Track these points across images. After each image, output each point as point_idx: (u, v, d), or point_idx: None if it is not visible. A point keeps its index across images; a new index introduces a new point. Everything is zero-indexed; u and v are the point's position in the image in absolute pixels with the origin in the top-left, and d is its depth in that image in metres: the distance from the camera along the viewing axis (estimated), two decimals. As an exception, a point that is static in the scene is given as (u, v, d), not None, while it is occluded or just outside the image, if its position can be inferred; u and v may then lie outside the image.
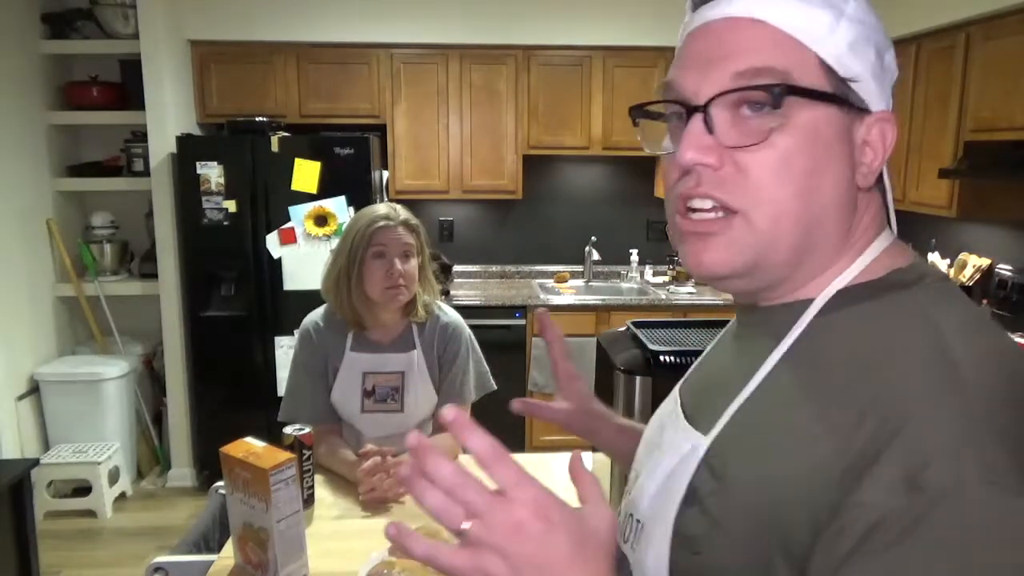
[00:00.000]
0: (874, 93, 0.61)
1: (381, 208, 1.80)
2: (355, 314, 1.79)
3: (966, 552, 0.46)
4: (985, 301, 3.13)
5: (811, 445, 0.54)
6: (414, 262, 1.79)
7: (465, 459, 1.72)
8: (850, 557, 0.48)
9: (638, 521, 0.68)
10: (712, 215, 0.60)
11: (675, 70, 0.63)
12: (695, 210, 0.61)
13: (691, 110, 0.60)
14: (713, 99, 0.58)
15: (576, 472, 0.61)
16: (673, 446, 0.67)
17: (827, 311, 0.61)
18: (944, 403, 0.50)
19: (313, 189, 3.44)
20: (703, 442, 0.63)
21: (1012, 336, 0.63)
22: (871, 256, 0.62)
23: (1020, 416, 0.50)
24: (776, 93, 0.56)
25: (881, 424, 0.51)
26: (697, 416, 0.68)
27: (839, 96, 0.59)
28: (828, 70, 0.58)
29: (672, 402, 0.76)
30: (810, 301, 0.62)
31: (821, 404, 0.56)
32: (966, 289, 3.17)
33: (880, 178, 0.64)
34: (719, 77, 0.59)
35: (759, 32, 0.58)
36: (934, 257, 3.32)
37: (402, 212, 1.81)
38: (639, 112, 0.67)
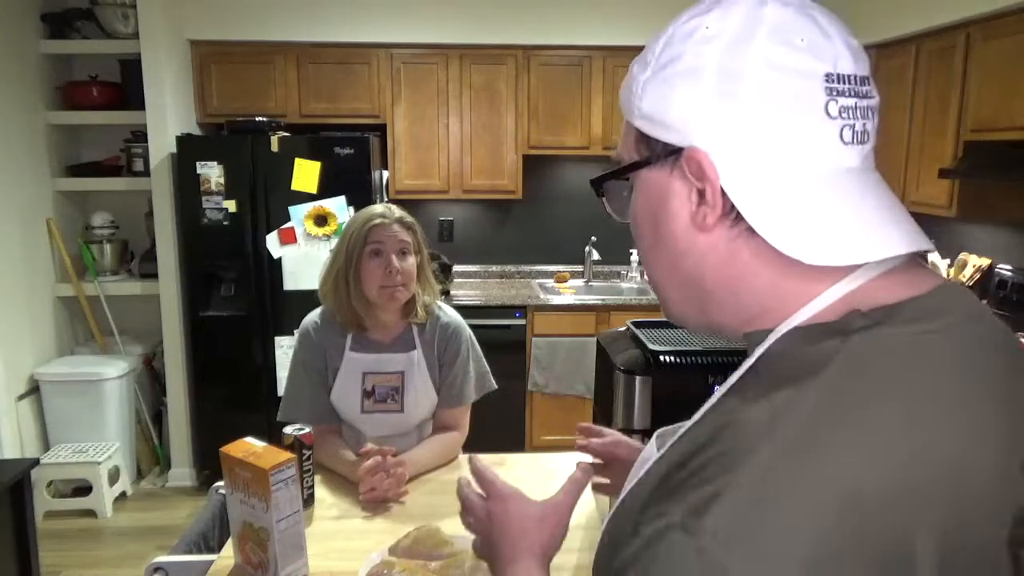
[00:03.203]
0: (692, 128, 0.57)
1: (377, 207, 1.81)
2: (354, 315, 1.79)
3: None
4: (985, 301, 3.13)
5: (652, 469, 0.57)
6: (411, 260, 1.79)
7: (464, 459, 1.72)
8: None
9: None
10: None
11: None
12: None
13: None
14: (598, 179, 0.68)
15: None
16: (643, 456, 0.68)
17: (779, 343, 0.56)
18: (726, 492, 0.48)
19: (313, 189, 3.44)
20: (654, 456, 0.61)
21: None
22: (835, 295, 0.55)
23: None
24: (593, 183, 0.66)
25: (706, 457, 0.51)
26: (665, 436, 0.68)
27: (642, 161, 0.61)
28: (644, 136, 0.61)
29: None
30: (767, 332, 0.57)
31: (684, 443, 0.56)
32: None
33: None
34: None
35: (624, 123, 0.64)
36: (934, 257, 3.32)
37: (397, 211, 1.82)
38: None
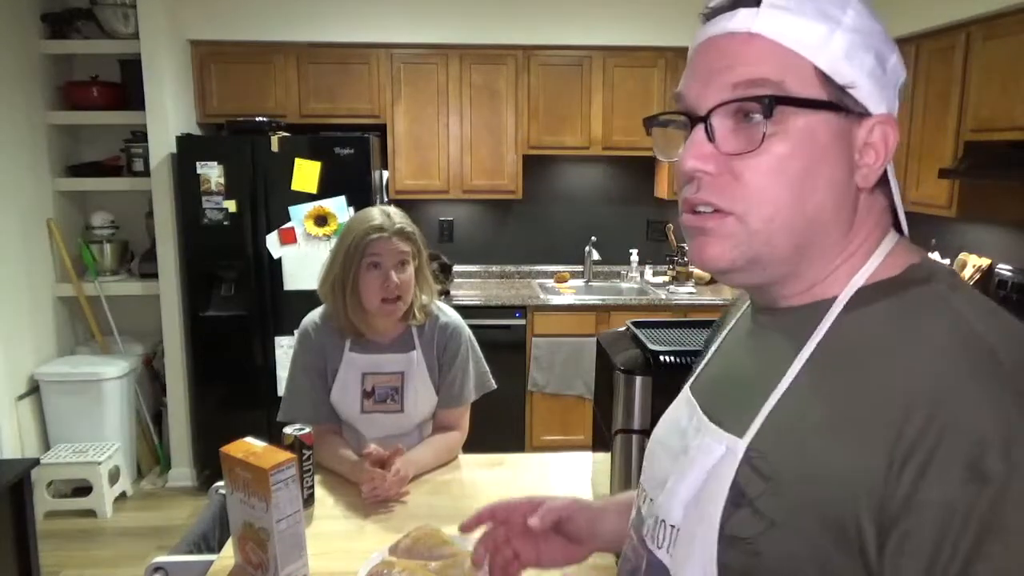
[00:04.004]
0: (874, 97, 0.63)
1: (376, 216, 1.74)
2: (350, 324, 1.78)
3: None
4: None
5: (856, 441, 0.56)
6: (410, 270, 1.76)
7: (464, 459, 1.72)
8: (946, 564, 0.50)
9: (672, 527, 0.69)
10: (710, 213, 0.65)
11: (683, 81, 0.68)
12: (698, 213, 0.65)
13: (694, 120, 0.64)
14: (713, 109, 0.63)
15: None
16: (704, 450, 0.68)
17: (850, 308, 0.63)
18: (987, 388, 0.53)
19: (313, 189, 3.44)
20: (739, 444, 0.64)
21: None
22: (883, 253, 0.65)
23: None
24: (766, 103, 0.60)
25: (929, 418, 0.52)
26: (723, 418, 0.69)
27: (834, 103, 0.62)
28: (824, 78, 0.61)
29: (687, 405, 0.76)
30: (831, 300, 0.64)
31: (861, 399, 0.57)
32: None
33: (885, 179, 0.67)
34: (719, 88, 0.63)
35: (755, 45, 0.62)
36: (934, 257, 3.32)
37: (397, 218, 1.76)
38: (652, 122, 0.73)
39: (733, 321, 0.82)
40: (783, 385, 0.64)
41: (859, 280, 0.64)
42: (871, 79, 0.62)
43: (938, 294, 0.61)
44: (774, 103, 0.60)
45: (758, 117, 0.61)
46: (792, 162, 0.61)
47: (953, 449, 0.51)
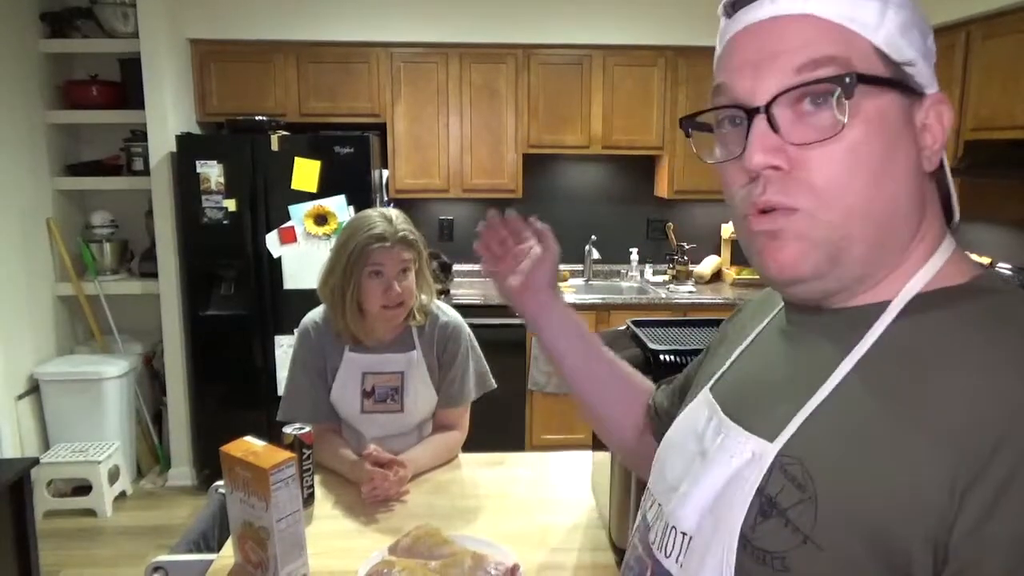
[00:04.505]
0: (927, 75, 0.60)
1: (377, 222, 1.70)
2: (348, 331, 1.77)
3: None
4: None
5: (914, 459, 0.51)
6: (412, 276, 1.75)
7: (464, 459, 1.72)
8: None
9: (684, 534, 0.64)
10: (782, 213, 0.59)
11: (725, 74, 0.62)
12: (767, 213, 0.60)
13: (751, 112, 0.59)
14: (776, 97, 0.57)
15: None
16: (727, 452, 0.63)
17: (906, 314, 0.58)
18: None
19: (313, 188, 3.43)
20: (770, 448, 0.59)
21: None
22: (942, 258, 0.60)
23: None
24: (848, 83, 0.55)
25: (1002, 440, 0.47)
26: (750, 421, 0.64)
27: (899, 81, 0.58)
28: (884, 56, 0.58)
29: (707, 407, 0.71)
30: (884, 304, 0.59)
31: (922, 413, 0.52)
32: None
33: (940, 167, 0.63)
34: (778, 74, 0.58)
35: (809, 25, 0.57)
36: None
37: (399, 224, 1.72)
38: (689, 123, 0.67)
39: (765, 321, 0.75)
40: (826, 389, 0.58)
41: (916, 284, 0.59)
42: (924, 57, 0.60)
43: (1013, 305, 0.56)
44: (855, 83, 0.55)
45: (825, 101, 0.56)
46: (869, 148, 0.56)
47: None
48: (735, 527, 0.59)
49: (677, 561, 0.64)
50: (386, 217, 1.73)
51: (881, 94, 0.57)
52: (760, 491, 0.58)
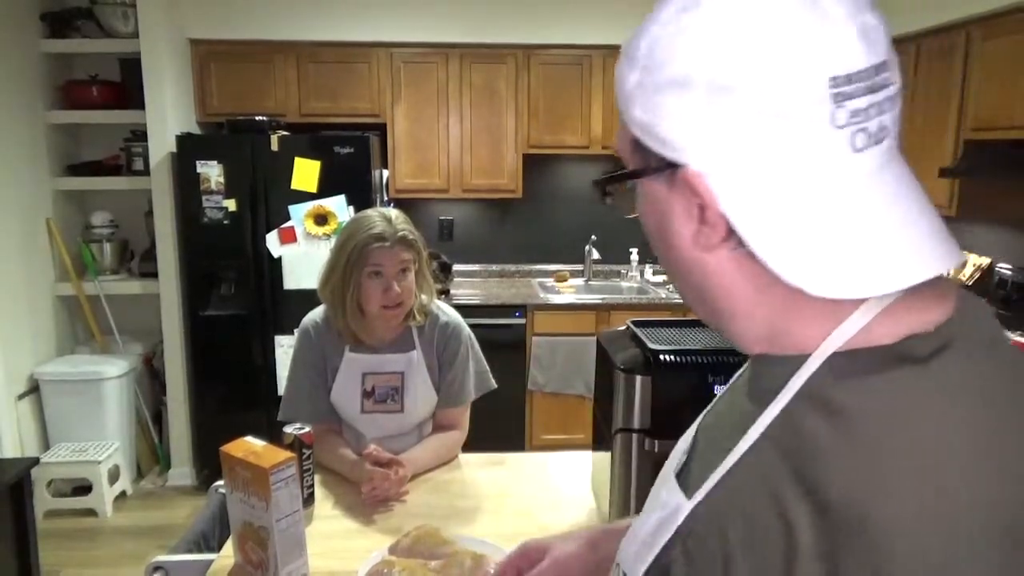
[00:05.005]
0: (699, 142, 0.50)
1: (376, 222, 1.70)
2: (349, 331, 1.77)
3: None
4: (986, 300, 3.13)
5: (781, 558, 0.46)
6: (412, 276, 1.75)
7: (464, 459, 1.71)
8: None
9: (624, 573, 0.63)
10: None
11: None
12: None
13: None
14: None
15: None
16: (660, 501, 0.61)
17: (824, 376, 0.50)
18: (930, 554, 0.42)
19: (313, 188, 3.43)
20: (685, 506, 0.56)
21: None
22: (874, 309, 0.50)
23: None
24: (600, 189, 0.60)
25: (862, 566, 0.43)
26: (692, 470, 0.61)
27: (638, 171, 0.56)
28: (638, 142, 0.55)
29: (685, 443, 0.67)
30: (804, 357, 0.51)
31: (804, 513, 0.46)
32: (966, 289, 3.17)
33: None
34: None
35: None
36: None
37: (399, 224, 1.72)
38: None
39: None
40: (733, 456, 0.53)
41: (834, 343, 0.50)
42: (682, 119, 0.51)
43: (927, 388, 0.47)
44: (601, 189, 0.60)
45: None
46: (649, 229, 0.59)
47: None
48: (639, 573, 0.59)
49: None
50: (385, 217, 1.72)
51: (639, 182, 0.57)
52: (663, 552, 0.57)
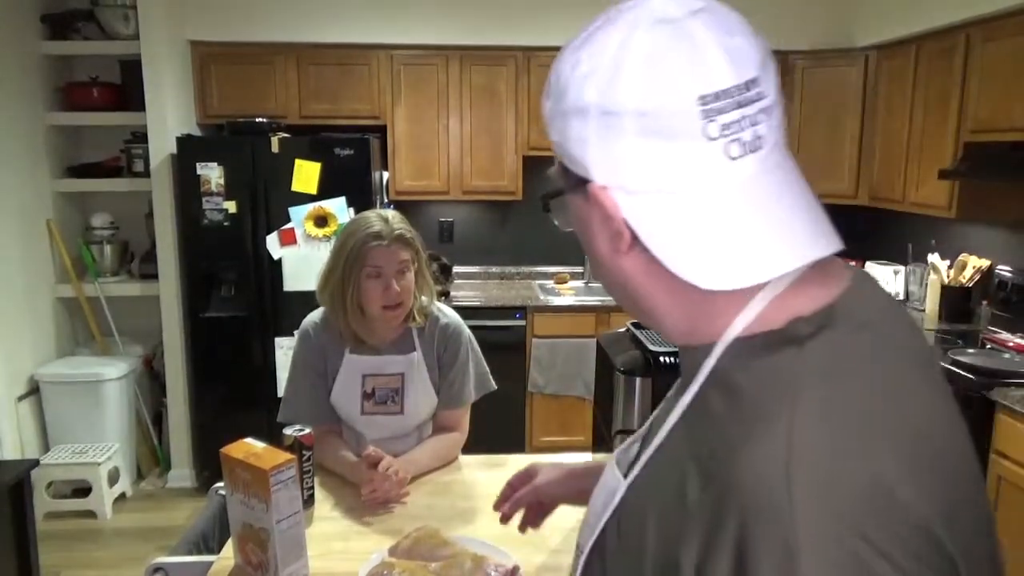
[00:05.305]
0: (599, 162, 0.57)
1: (374, 222, 1.71)
2: (350, 332, 1.77)
3: None
4: (986, 302, 3.13)
5: (677, 522, 0.52)
6: (410, 276, 1.75)
7: (464, 460, 1.72)
8: None
9: (581, 552, 0.69)
10: None
11: None
12: None
13: None
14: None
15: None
16: (605, 483, 0.68)
17: (726, 360, 0.56)
18: (773, 522, 0.47)
19: (313, 190, 3.44)
20: (622, 485, 0.63)
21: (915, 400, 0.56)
22: (768, 296, 0.56)
23: (841, 548, 0.46)
24: (543, 205, 0.65)
25: (731, 520, 0.48)
26: (639, 455, 0.66)
27: (560, 189, 0.62)
28: (560, 162, 0.62)
29: (643, 430, 0.74)
30: (711, 346, 0.58)
31: (695, 478, 0.53)
32: (966, 290, 3.17)
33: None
34: None
35: None
36: (934, 258, 3.33)
37: (396, 224, 1.72)
38: None
39: None
40: (659, 437, 0.61)
41: (734, 330, 0.56)
42: (581, 141, 0.58)
43: (796, 370, 0.53)
44: (544, 204, 0.65)
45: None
46: (580, 239, 0.64)
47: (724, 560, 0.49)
48: (582, 557, 0.66)
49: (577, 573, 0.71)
50: (383, 217, 1.73)
51: (563, 198, 0.63)
52: (603, 528, 0.64)
